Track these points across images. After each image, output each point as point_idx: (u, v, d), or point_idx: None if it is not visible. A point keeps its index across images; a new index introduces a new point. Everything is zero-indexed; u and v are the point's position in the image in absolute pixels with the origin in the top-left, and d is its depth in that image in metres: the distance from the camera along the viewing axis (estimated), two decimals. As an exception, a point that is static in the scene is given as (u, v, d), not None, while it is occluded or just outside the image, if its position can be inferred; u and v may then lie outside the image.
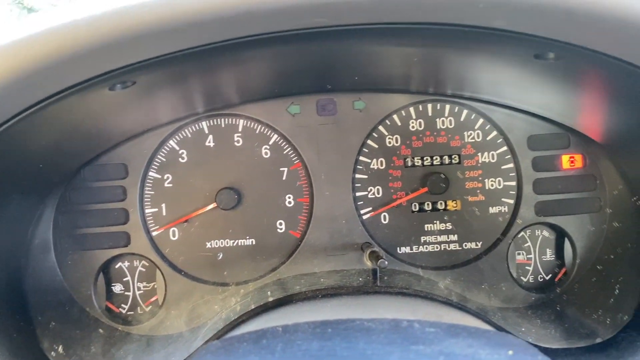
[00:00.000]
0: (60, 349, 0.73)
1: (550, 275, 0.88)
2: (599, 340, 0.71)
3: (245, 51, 0.62)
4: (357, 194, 0.86)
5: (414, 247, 0.87)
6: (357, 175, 0.86)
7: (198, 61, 0.60)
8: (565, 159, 0.85)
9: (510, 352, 0.44)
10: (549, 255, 0.88)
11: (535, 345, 0.72)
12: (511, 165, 0.86)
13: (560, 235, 0.87)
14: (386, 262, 0.75)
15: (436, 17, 0.50)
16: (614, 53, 0.56)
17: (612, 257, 0.80)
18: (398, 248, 0.87)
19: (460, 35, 0.52)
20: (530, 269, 0.88)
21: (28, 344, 0.71)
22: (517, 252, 0.87)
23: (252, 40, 0.55)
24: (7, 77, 0.47)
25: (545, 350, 0.71)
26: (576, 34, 0.54)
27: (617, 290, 0.76)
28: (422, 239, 0.87)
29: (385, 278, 0.79)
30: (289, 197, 0.86)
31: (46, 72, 0.48)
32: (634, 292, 0.75)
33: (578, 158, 0.85)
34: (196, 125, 0.84)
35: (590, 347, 0.71)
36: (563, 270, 0.87)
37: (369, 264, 0.81)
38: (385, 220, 0.87)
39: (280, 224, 0.86)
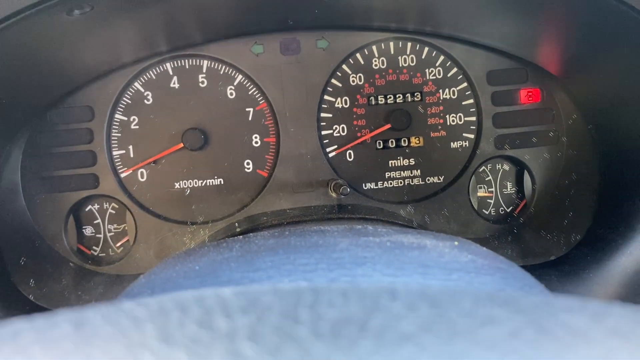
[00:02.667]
0: (31, 282, 0.74)
1: (511, 207, 0.91)
2: (552, 257, 0.75)
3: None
4: (323, 132, 0.88)
5: (379, 183, 0.89)
6: (322, 114, 0.88)
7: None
8: (523, 93, 0.88)
9: (456, 243, 0.46)
10: (510, 188, 0.91)
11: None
12: (471, 100, 0.88)
13: (520, 168, 0.90)
14: (348, 190, 0.77)
15: None
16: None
17: (567, 182, 0.84)
18: (363, 184, 0.89)
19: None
20: (492, 201, 0.91)
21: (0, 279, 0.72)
22: (478, 186, 0.90)
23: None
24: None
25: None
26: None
27: (571, 213, 0.80)
28: (387, 174, 0.89)
29: (349, 207, 0.81)
30: (256, 137, 0.87)
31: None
32: (587, 214, 0.78)
33: (535, 92, 0.88)
34: (160, 66, 0.85)
35: (545, 264, 0.74)
36: (523, 202, 0.90)
37: (333, 195, 0.84)
38: (350, 157, 0.89)
39: (248, 163, 0.87)
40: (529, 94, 0.88)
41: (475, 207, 0.89)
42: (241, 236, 0.51)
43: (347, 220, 0.71)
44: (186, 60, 0.85)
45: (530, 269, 0.75)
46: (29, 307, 0.72)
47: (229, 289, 0.20)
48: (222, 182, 0.87)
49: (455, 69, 0.88)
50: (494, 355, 0.16)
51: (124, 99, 0.84)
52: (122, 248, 0.87)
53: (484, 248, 0.47)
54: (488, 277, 0.37)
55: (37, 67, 0.69)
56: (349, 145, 0.88)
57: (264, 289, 0.20)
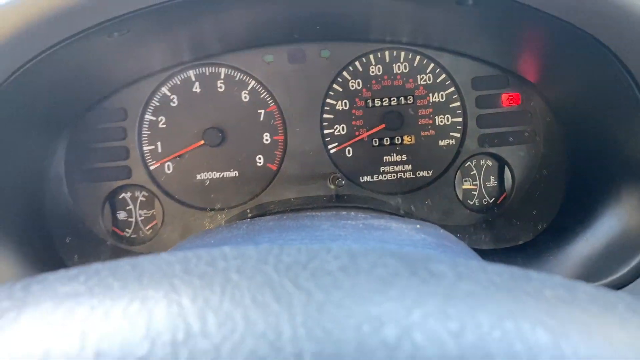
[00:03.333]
0: (75, 258, 0.88)
1: (493, 198, 1.02)
2: (520, 242, 0.86)
3: (224, 2, 0.76)
4: (325, 131, 1.00)
5: (374, 176, 1.01)
6: (325, 115, 1.00)
7: (183, 10, 0.73)
8: (504, 97, 0.99)
9: (418, 226, 0.58)
10: (492, 181, 1.02)
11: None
12: (458, 103, 0.99)
13: (501, 163, 1.01)
14: (343, 182, 0.89)
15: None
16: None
17: (538, 177, 0.95)
18: (360, 177, 1.01)
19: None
20: (476, 193, 1.02)
21: (50, 255, 0.86)
22: (464, 179, 1.01)
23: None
24: (27, 23, 0.61)
25: (476, 251, 0.85)
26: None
27: (539, 204, 0.91)
28: (381, 168, 1.01)
29: (345, 197, 0.93)
30: (266, 135, 0.99)
31: (56, 21, 0.62)
32: (553, 205, 0.89)
33: (516, 96, 0.98)
34: (184, 73, 0.97)
35: (513, 248, 0.86)
36: (504, 194, 1.01)
37: (332, 187, 0.96)
38: (349, 153, 1.01)
39: (259, 158, 1.00)
40: (510, 97, 0.98)
41: (460, 198, 1.01)
42: (247, 220, 0.64)
43: (340, 209, 0.83)
44: (207, 68, 0.98)
45: (500, 251, 0.87)
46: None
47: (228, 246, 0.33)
48: (237, 175, 0.99)
49: (443, 75, 0.99)
50: (381, 288, 0.28)
51: (153, 101, 0.97)
52: (151, 230, 1.00)
53: (443, 231, 0.59)
54: (430, 250, 0.48)
55: (79, 78, 0.82)
56: (348, 143, 1.00)
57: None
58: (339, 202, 0.91)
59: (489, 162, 1.02)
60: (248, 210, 0.92)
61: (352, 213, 0.63)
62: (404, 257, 0.32)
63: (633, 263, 0.72)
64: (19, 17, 0.62)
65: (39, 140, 0.86)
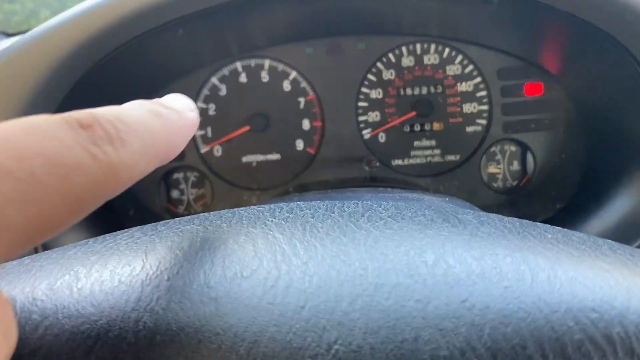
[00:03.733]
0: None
1: (516, 181, 1.09)
2: (539, 220, 0.94)
3: (271, 3, 0.85)
4: (360, 118, 1.08)
5: (405, 160, 1.09)
6: (360, 103, 1.08)
7: (234, 10, 0.82)
8: (527, 87, 1.06)
9: (447, 199, 0.66)
10: (516, 165, 1.09)
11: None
12: (484, 92, 1.07)
13: (524, 149, 1.08)
14: (377, 164, 0.98)
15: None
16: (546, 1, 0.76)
17: (557, 161, 1.02)
18: (392, 161, 1.09)
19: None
20: (500, 176, 1.10)
21: (114, 225, 0.97)
22: (489, 163, 1.09)
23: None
24: (113, 20, 0.71)
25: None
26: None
27: (558, 186, 0.98)
28: (412, 152, 1.09)
29: (378, 179, 1.02)
30: (306, 121, 1.09)
31: (137, 18, 0.72)
32: (571, 187, 0.96)
33: (538, 86, 1.05)
34: (232, 65, 1.07)
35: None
36: (526, 177, 1.08)
37: (366, 169, 1.05)
38: (382, 139, 1.09)
39: (299, 142, 1.09)
40: (533, 87, 1.05)
41: (485, 180, 1.08)
42: (293, 194, 0.73)
43: (374, 188, 0.92)
44: (252, 60, 1.07)
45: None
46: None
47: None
48: (280, 157, 1.09)
49: (471, 67, 1.06)
50: (421, 228, 0.37)
51: (204, 90, 1.07)
52: (201, 208, 1.11)
53: (469, 204, 0.67)
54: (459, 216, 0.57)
55: (145, 69, 0.92)
56: (381, 129, 1.08)
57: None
58: (373, 183, 1.00)
59: (513, 148, 1.09)
60: (290, 189, 1.01)
61: (389, 189, 0.71)
62: (438, 209, 0.41)
63: (643, 238, 0.80)
64: (108, 14, 0.72)
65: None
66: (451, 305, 0.28)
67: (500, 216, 0.41)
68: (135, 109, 0.27)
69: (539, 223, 0.40)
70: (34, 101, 0.75)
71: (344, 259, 0.32)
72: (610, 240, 0.39)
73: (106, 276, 0.31)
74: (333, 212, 0.39)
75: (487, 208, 1.03)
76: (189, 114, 0.37)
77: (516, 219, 0.41)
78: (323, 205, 0.41)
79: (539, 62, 1.02)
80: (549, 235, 0.37)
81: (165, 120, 0.29)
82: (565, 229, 0.40)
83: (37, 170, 0.18)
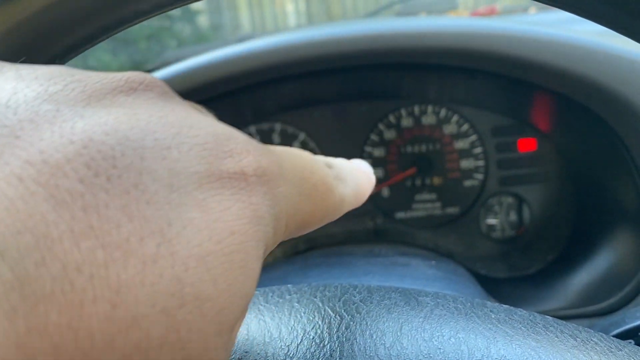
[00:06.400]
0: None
1: (513, 231, 1.16)
2: (532, 271, 1.00)
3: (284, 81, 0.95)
4: (365, 175, 1.17)
5: (408, 213, 1.17)
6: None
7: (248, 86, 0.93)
8: (521, 143, 1.13)
9: (433, 262, 0.73)
10: (512, 216, 1.16)
11: (484, 276, 1.02)
12: (480, 149, 1.15)
13: (520, 201, 1.15)
14: (379, 221, 1.06)
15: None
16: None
17: (549, 214, 1.08)
18: (395, 213, 1.17)
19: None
20: (498, 227, 1.16)
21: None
22: (487, 214, 1.16)
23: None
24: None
25: (492, 279, 1.00)
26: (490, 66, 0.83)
27: (549, 238, 1.04)
28: (414, 206, 1.17)
29: (381, 232, 1.10)
30: (315, 179, 1.17)
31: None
32: (560, 240, 1.03)
33: (531, 142, 1.13)
34: (246, 129, 1.17)
35: (525, 276, 1.00)
36: (523, 228, 1.15)
37: (370, 223, 1.13)
38: (385, 193, 1.17)
39: (309, 198, 1.18)
40: (526, 143, 1.13)
41: (484, 231, 1.15)
42: (301, 255, 0.81)
43: (376, 243, 1.00)
44: (265, 124, 1.17)
45: (514, 279, 1.01)
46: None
47: None
48: None
49: (466, 125, 1.15)
50: (385, 312, 0.45)
51: (221, 152, 1.17)
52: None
53: (454, 266, 0.74)
54: (437, 283, 0.64)
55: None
56: (384, 184, 1.17)
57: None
58: (377, 237, 1.08)
59: (509, 200, 1.16)
60: (301, 243, 1.10)
61: (384, 250, 0.79)
62: (403, 292, 0.49)
63: (626, 289, 0.85)
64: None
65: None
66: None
67: (455, 296, 0.49)
68: (351, 163, 0.37)
69: (488, 303, 0.48)
70: None
71: (318, 343, 0.40)
72: (549, 318, 0.46)
73: None
74: (315, 297, 0.47)
75: (484, 259, 1.10)
76: (372, 176, 0.48)
77: (469, 299, 0.48)
78: (308, 289, 0.49)
79: (530, 120, 1.10)
80: (493, 316, 0.45)
81: (363, 174, 0.39)
82: (511, 308, 0.48)
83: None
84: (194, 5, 5.92)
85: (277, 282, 0.68)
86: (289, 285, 0.51)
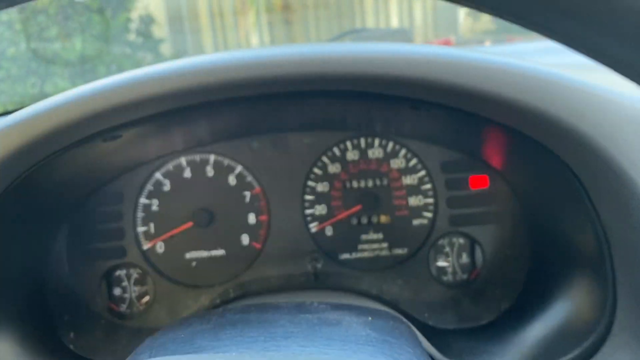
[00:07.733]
0: (72, 335, 0.95)
1: (466, 274, 1.08)
2: (484, 321, 0.91)
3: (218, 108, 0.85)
4: (306, 211, 1.07)
5: (352, 254, 1.07)
6: (306, 197, 1.07)
7: (177, 115, 0.82)
8: (472, 180, 1.06)
9: (370, 318, 0.64)
10: (465, 258, 1.08)
11: (431, 327, 0.93)
12: (429, 185, 1.07)
13: (472, 242, 1.07)
14: (319, 265, 0.96)
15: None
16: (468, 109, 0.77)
17: (502, 257, 1.01)
18: (339, 255, 1.07)
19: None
20: (450, 270, 1.08)
21: (48, 332, 0.93)
22: (437, 256, 1.08)
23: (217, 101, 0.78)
24: (33, 137, 0.70)
25: (441, 331, 0.91)
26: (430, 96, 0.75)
27: (502, 285, 0.96)
28: (359, 246, 1.07)
29: (321, 277, 1.00)
30: (252, 216, 1.07)
31: (52, 135, 0.71)
32: (515, 287, 0.95)
33: (483, 179, 1.05)
34: (176, 160, 1.06)
35: (476, 327, 0.91)
36: (476, 271, 1.07)
37: (309, 267, 1.03)
38: (329, 232, 1.08)
39: (245, 237, 1.07)
40: (477, 180, 1.05)
41: (434, 274, 1.06)
42: (220, 309, 0.70)
43: (313, 290, 0.90)
44: (197, 155, 1.07)
45: (464, 331, 0.92)
46: (69, 356, 0.92)
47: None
48: (224, 253, 1.07)
49: (414, 160, 1.07)
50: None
51: (147, 186, 1.06)
52: (144, 306, 1.07)
53: (393, 323, 0.65)
54: (370, 347, 0.55)
55: (79, 173, 0.91)
56: (327, 222, 1.07)
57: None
58: (317, 282, 0.98)
59: (461, 240, 1.08)
60: (231, 289, 0.99)
61: (315, 303, 0.69)
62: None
63: (585, 344, 0.77)
64: (20, 134, 0.72)
65: (41, 228, 0.95)
66: None
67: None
68: None
69: None
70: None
71: None
72: None
73: None
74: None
75: (433, 307, 1.01)
76: None
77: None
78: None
79: (482, 156, 1.03)
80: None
81: None
82: None
83: None
84: (157, 33, 5.84)
85: (182, 346, 0.57)
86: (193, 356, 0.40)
